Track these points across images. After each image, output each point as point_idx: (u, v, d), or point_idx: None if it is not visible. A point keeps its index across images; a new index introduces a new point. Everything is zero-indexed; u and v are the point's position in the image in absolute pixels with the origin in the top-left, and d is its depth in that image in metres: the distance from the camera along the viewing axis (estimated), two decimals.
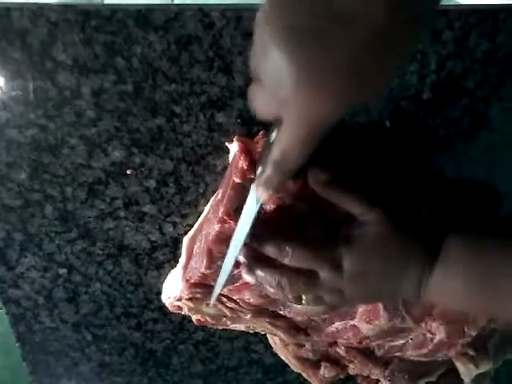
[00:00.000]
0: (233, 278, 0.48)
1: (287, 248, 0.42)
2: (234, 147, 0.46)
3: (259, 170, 0.38)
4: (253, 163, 0.43)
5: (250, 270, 0.44)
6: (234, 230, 0.43)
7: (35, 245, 0.55)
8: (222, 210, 0.44)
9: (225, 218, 0.44)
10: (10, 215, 0.52)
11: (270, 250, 0.43)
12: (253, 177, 0.41)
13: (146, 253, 0.56)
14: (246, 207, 0.41)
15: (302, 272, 0.43)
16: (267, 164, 0.36)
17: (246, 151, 0.43)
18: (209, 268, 0.47)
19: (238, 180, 0.43)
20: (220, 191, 0.48)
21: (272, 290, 0.44)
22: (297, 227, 0.45)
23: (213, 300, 0.47)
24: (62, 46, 0.42)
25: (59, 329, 0.63)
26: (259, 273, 0.43)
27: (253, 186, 0.40)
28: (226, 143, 0.47)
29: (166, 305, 0.55)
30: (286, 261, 0.43)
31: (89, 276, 0.58)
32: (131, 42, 0.42)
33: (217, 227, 0.45)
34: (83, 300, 0.60)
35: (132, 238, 0.55)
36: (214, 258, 0.46)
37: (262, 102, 0.33)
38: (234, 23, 0.42)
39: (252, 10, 0.41)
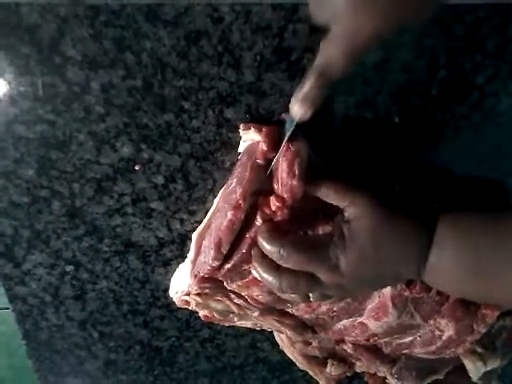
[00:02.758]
0: (242, 274, 0.48)
1: (282, 252, 0.42)
2: (246, 136, 0.46)
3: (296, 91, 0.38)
4: (274, 145, 0.43)
5: (256, 270, 0.44)
6: (244, 222, 0.44)
7: (42, 241, 0.55)
8: (239, 191, 0.44)
9: (240, 202, 0.44)
10: (17, 212, 0.52)
11: (269, 253, 0.43)
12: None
13: (153, 249, 0.56)
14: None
15: (302, 274, 0.43)
16: (308, 75, 0.36)
17: (267, 133, 0.43)
18: (217, 259, 0.47)
19: (259, 161, 0.43)
20: (232, 181, 0.47)
21: (277, 292, 0.44)
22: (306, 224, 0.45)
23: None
24: (70, 42, 0.42)
25: (65, 326, 0.63)
26: (263, 274, 0.44)
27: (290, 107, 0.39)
28: (240, 129, 0.46)
29: (174, 300, 0.55)
30: (283, 264, 0.43)
31: (96, 273, 0.58)
32: (140, 37, 0.42)
33: (229, 214, 0.44)
34: (90, 297, 0.60)
35: (139, 234, 0.55)
36: (223, 249, 0.46)
37: (315, 5, 0.35)
38: (243, 18, 0.41)
39: (261, 4, 0.41)
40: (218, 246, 0.46)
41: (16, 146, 0.47)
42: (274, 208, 0.44)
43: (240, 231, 0.45)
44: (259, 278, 0.45)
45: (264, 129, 0.44)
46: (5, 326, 1.28)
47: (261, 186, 0.45)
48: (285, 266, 0.43)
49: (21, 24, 0.41)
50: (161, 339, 0.65)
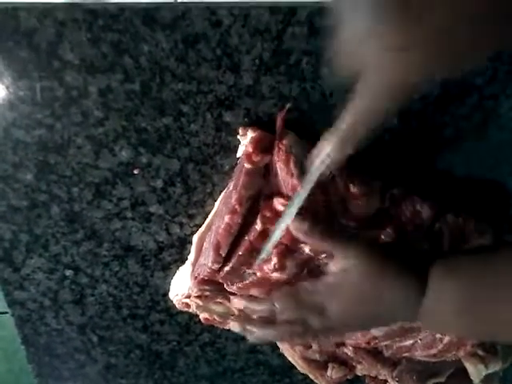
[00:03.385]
0: (241, 276, 0.48)
1: (276, 306, 0.45)
2: (245, 140, 0.46)
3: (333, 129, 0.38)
4: (260, 149, 0.43)
5: (253, 332, 0.45)
6: (241, 225, 0.45)
7: (41, 246, 0.54)
8: (234, 197, 0.44)
9: (236, 207, 0.44)
10: (16, 216, 0.52)
11: (261, 312, 0.46)
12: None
13: (152, 254, 0.56)
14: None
15: (296, 322, 0.44)
16: (345, 119, 0.36)
17: (257, 139, 0.44)
18: (216, 262, 0.47)
19: (248, 165, 0.43)
20: (230, 185, 0.47)
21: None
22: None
23: (262, 256, 0.46)
24: (69, 46, 0.42)
25: (65, 331, 0.63)
26: (261, 334, 0.45)
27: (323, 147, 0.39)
28: (239, 134, 0.46)
29: (174, 302, 0.55)
30: (280, 317, 0.45)
31: (95, 277, 0.58)
32: (138, 41, 0.42)
33: (227, 218, 0.45)
34: (89, 302, 0.60)
35: (138, 238, 0.54)
36: (222, 251, 0.46)
37: (346, 56, 0.32)
38: (241, 21, 0.41)
39: (259, 7, 0.41)
40: (217, 249, 0.46)
41: (14, 150, 0.47)
42: (279, 208, 0.44)
43: (239, 234, 0.45)
44: (258, 340, 0.46)
45: (251, 134, 0.44)
46: (4, 330, 1.28)
47: (258, 189, 0.45)
48: (280, 318, 0.45)
49: (19, 28, 0.41)
50: (161, 343, 0.65)
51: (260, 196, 0.45)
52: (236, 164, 0.49)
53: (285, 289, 0.46)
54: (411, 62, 0.30)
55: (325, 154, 0.39)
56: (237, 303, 0.50)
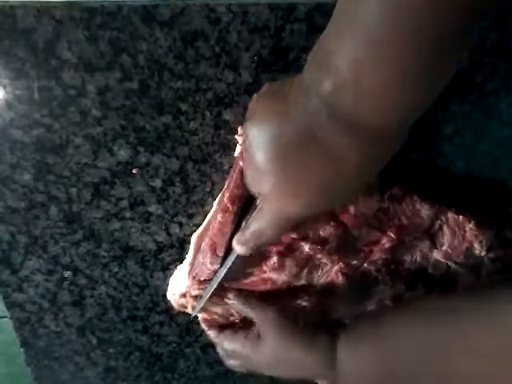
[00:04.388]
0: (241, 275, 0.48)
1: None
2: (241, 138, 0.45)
3: (243, 224, 0.44)
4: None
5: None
6: (232, 223, 0.46)
7: (40, 247, 0.54)
8: (226, 195, 0.44)
9: (228, 205, 0.44)
10: (14, 217, 0.51)
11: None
12: None
13: (151, 254, 0.55)
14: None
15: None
16: (246, 229, 0.41)
17: None
18: (214, 263, 0.46)
19: (242, 163, 0.43)
20: (226, 182, 0.47)
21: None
22: None
23: (196, 311, 0.52)
24: (66, 44, 0.42)
25: (64, 333, 0.62)
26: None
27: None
28: (236, 136, 0.46)
29: (171, 301, 0.54)
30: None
31: (94, 278, 0.57)
32: (137, 39, 0.42)
33: (219, 217, 0.45)
34: (88, 303, 0.59)
35: (138, 239, 0.54)
36: (218, 251, 0.46)
37: (248, 179, 0.39)
38: (240, 18, 0.41)
39: (258, 4, 0.41)
40: (213, 249, 0.46)
41: (12, 150, 0.47)
42: None
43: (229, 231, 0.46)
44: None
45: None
46: (3, 334, 1.27)
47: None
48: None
49: (16, 27, 0.40)
50: (161, 345, 0.64)
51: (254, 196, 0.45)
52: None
53: (227, 332, 0.52)
54: (296, 201, 0.36)
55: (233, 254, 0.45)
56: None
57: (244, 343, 0.49)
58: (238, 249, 0.43)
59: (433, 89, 0.31)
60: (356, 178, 0.34)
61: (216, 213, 0.47)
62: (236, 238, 0.43)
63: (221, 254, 0.47)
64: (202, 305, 0.50)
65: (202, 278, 0.49)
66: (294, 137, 0.33)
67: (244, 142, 0.37)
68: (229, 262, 0.46)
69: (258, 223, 0.39)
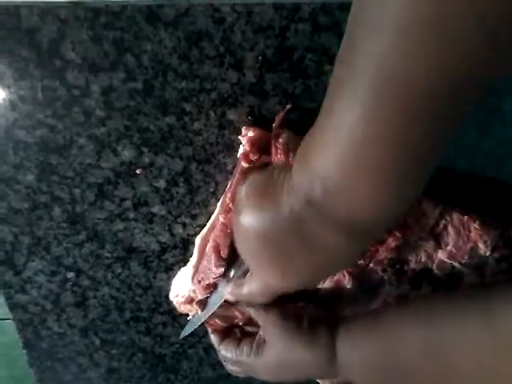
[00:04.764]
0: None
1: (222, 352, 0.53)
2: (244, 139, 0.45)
3: (232, 272, 0.48)
4: (257, 147, 0.44)
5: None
6: None
7: (43, 248, 0.54)
8: (228, 195, 0.44)
9: (230, 205, 0.44)
10: (17, 218, 0.51)
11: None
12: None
13: (155, 255, 0.55)
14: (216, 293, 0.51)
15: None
16: (239, 286, 0.46)
17: (255, 138, 0.44)
18: (219, 265, 0.46)
19: (245, 164, 0.43)
20: (229, 183, 0.47)
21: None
22: None
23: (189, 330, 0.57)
24: (70, 44, 0.41)
25: (67, 334, 0.62)
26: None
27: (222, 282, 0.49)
28: (239, 136, 0.46)
29: (174, 303, 0.54)
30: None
31: (97, 280, 0.57)
32: (141, 39, 0.42)
33: (221, 218, 0.45)
34: (91, 304, 0.59)
35: (141, 239, 0.54)
36: (222, 253, 0.46)
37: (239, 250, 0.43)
38: (244, 18, 0.41)
39: (263, 4, 0.41)
40: (217, 251, 0.46)
41: (15, 150, 0.47)
42: None
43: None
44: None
45: (248, 133, 0.44)
46: (4, 336, 1.27)
47: None
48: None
49: (20, 27, 0.40)
50: (164, 346, 0.64)
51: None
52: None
53: (229, 340, 0.53)
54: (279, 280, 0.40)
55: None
56: None
57: (247, 352, 0.50)
58: (227, 294, 0.48)
59: (418, 185, 0.32)
60: (344, 264, 0.40)
61: (219, 214, 0.47)
62: (230, 290, 0.48)
63: (224, 255, 0.46)
64: (195, 326, 0.55)
65: (207, 283, 0.49)
66: (285, 228, 0.36)
67: (234, 226, 0.42)
68: (216, 306, 0.51)
69: (250, 289, 0.44)
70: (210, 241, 0.48)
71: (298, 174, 0.35)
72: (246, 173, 0.44)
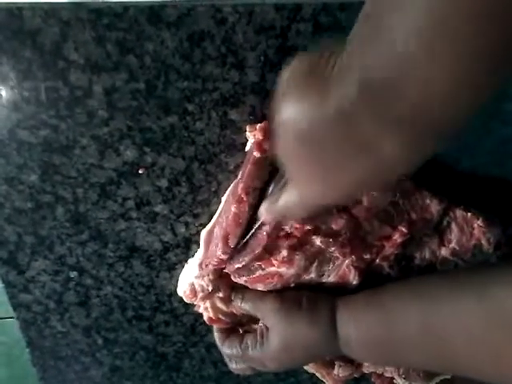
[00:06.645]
0: (250, 270, 0.48)
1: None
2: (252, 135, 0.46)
3: (270, 189, 0.44)
4: (269, 137, 0.43)
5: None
6: (248, 214, 0.46)
7: (46, 248, 0.54)
8: (240, 186, 0.44)
9: (242, 196, 0.44)
10: (20, 218, 0.52)
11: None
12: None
13: (157, 254, 0.56)
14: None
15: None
16: (275, 201, 0.41)
17: (266, 127, 0.44)
18: (225, 253, 0.47)
19: (257, 154, 0.43)
20: (237, 175, 0.48)
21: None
22: None
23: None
24: (73, 45, 0.42)
25: (70, 333, 0.62)
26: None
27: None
28: (246, 131, 0.46)
29: (183, 297, 0.54)
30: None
31: (100, 279, 0.57)
32: (143, 40, 0.42)
33: (234, 208, 0.45)
34: (94, 303, 0.60)
35: (144, 239, 0.54)
36: (230, 242, 0.46)
37: (278, 153, 0.37)
38: (246, 18, 0.41)
39: (264, 4, 0.41)
40: (226, 239, 0.47)
41: (19, 151, 0.47)
42: None
43: (249, 227, 0.46)
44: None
45: (260, 125, 0.45)
46: (5, 335, 1.27)
47: (264, 180, 0.45)
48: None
49: (23, 28, 0.40)
50: (166, 345, 0.65)
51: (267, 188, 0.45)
52: (241, 162, 0.48)
53: (233, 337, 0.53)
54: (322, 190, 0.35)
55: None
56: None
57: (252, 344, 0.50)
58: (265, 218, 0.44)
59: (491, 84, 0.26)
60: (394, 172, 0.32)
61: (229, 205, 0.47)
62: (265, 207, 0.43)
63: (232, 245, 0.47)
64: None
65: (211, 266, 0.49)
66: (333, 124, 0.30)
67: (273, 119, 0.34)
68: (254, 229, 0.46)
69: (286, 201, 0.39)
70: (220, 229, 0.48)
71: (353, 56, 0.28)
72: (257, 163, 0.44)
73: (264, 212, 0.43)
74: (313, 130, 0.31)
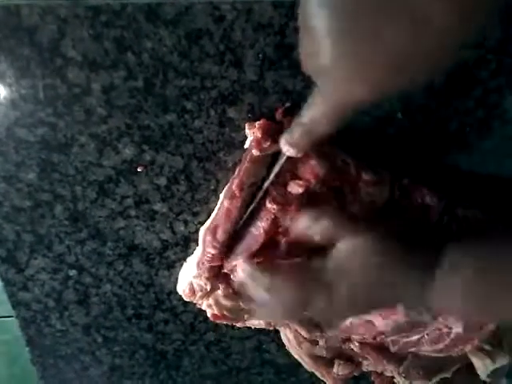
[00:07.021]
0: None
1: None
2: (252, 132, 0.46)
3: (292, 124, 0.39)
4: (268, 134, 0.43)
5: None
6: (240, 210, 0.46)
7: (45, 246, 0.54)
8: (235, 182, 0.44)
9: (236, 192, 0.44)
10: (19, 216, 0.52)
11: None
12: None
13: (156, 252, 0.56)
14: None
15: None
16: (295, 124, 0.37)
17: (266, 125, 0.44)
18: (213, 247, 0.47)
19: (256, 151, 0.43)
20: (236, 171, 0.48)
21: None
22: None
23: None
24: (71, 43, 0.42)
25: (69, 331, 0.62)
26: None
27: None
28: (245, 129, 0.46)
29: (183, 296, 0.54)
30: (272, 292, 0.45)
31: (99, 277, 0.57)
32: (141, 37, 0.42)
33: (226, 203, 0.45)
34: (93, 302, 0.60)
35: (143, 237, 0.54)
36: (218, 235, 0.46)
37: (305, 57, 0.34)
38: (244, 16, 0.41)
39: (262, 1, 0.41)
40: (214, 233, 0.47)
41: (17, 149, 0.47)
42: (299, 191, 0.44)
43: (243, 226, 0.46)
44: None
45: (259, 123, 0.45)
46: (6, 334, 1.28)
47: (259, 179, 0.45)
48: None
49: (21, 26, 0.40)
50: (166, 343, 0.65)
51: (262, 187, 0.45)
52: (240, 160, 0.48)
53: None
54: (363, 77, 0.30)
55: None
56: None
57: (335, 264, 0.43)
58: (288, 149, 0.39)
59: None
60: (442, 44, 0.28)
61: (224, 199, 0.47)
62: (284, 137, 0.39)
63: (221, 239, 0.47)
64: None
65: (206, 263, 0.49)
66: None
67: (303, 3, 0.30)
68: (276, 169, 0.43)
69: (313, 111, 0.35)
70: (210, 224, 0.48)
71: None
72: (255, 161, 0.44)
73: (285, 143, 0.39)
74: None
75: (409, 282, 0.42)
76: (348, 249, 0.42)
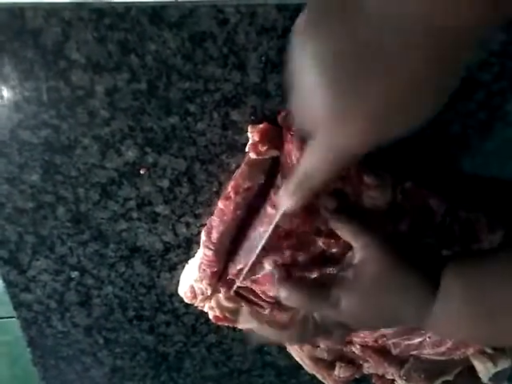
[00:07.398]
0: (255, 270, 0.48)
1: (282, 291, 0.45)
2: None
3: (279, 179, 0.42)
4: (266, 139, 0.44)
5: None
6: (234, 213, 0.46)
7: (47, 247, 0.54)
8: (231, 184, 0.44)
9: (231, 194, 0.44)
10: (21, 217, 0.52)
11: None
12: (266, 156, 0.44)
13: (158, 254, 0.56)
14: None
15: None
16: (292, 177, 0.37)
17: (264, 129, 0.44)
18: (208, 248, 0.47)
19: (253, 155, 0.43)
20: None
21: None
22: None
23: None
24: (75, 45, 0.42)
25: (71, 333, 0.62)
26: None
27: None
28: (247, 132, 0.46)
29: (184, 298, 0.54)
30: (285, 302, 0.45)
31: (101, 279, 0.57)
32: (145, 40, 0.42)
33: (220, 204, 0.45)
34: (95, 303, 0.60)
35: (145, 239, 0.54)
36: (212, 237, 0.47)
37: (297, 111, 0.34)
38: (248, 19, 0.41)
39: (266, 5, 0.41)
40: (209, 234, 0.47)
41: (20, 151, 0.47)
42: None
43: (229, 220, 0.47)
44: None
45: (257, 126, 0.45)
46: (7, 335, 1.28)
47: (256, 183, 0.46)
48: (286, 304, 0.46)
49: (25, 28, 0.41)
50: (167, 345, 0.65)
51: (261, 193, 0.45)
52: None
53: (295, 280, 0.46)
54: (357, 128, 0.30)
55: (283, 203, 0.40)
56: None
57: (343, 276, 0.44)
58: (285, 202, 0.39)
59: None
60: (420, 92, 0.29)
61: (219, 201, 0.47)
62: (282, 190, 0.40)
63: (215, 240, 0.47)
64: (243, 274, 0.48)
65: (207, 270, 0.49)
66: (356, 51, 0.27)
67: (293, 60, 0.31)
68: (273, 222, 0.43)
69: (308, 162, 0.35)
70: (205, 226, 0.49)
71: None
72: (252, 164, 0.44)
73: (282, 195, 0.40)
74: (340, 56, 0.28)
75: (406, 305, 0.42)
76: (359, 259, 0.43)
